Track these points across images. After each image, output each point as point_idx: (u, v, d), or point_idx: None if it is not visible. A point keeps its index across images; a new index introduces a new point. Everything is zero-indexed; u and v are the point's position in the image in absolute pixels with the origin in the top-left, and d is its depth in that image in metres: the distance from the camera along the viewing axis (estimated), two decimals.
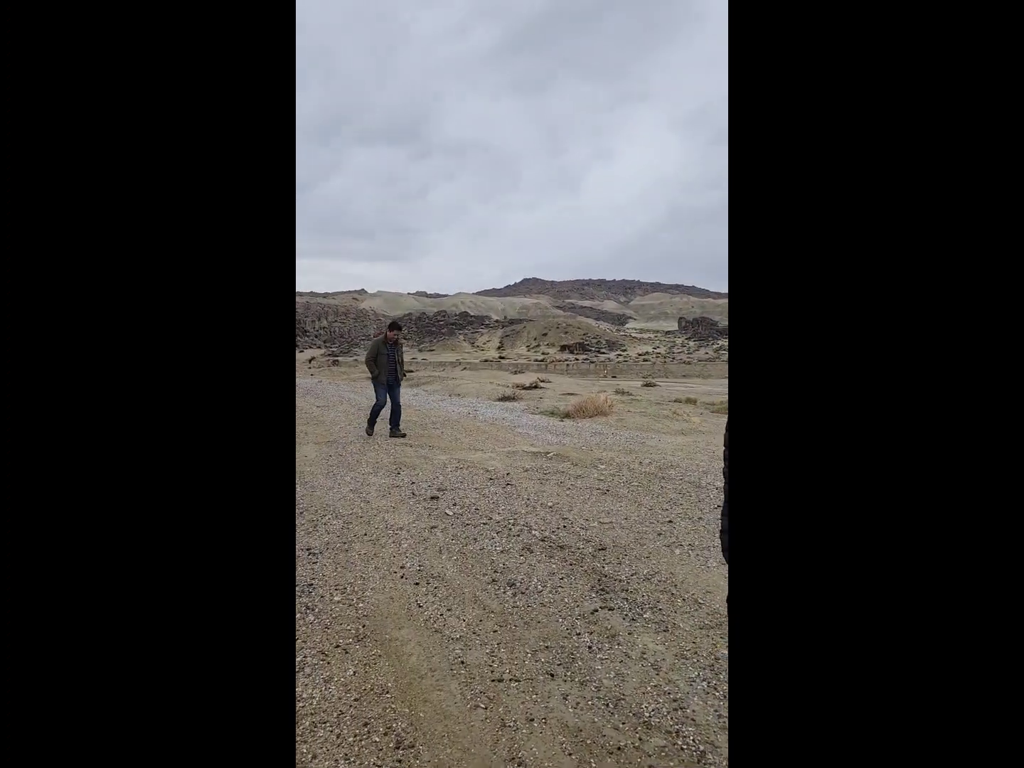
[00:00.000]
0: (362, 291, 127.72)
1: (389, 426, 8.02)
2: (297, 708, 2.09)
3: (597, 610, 2.86)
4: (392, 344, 8.08)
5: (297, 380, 17.00)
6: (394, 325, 8.43)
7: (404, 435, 7.87)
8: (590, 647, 2.53)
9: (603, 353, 77.96)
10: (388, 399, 7.95)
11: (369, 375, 8.32)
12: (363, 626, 2.70)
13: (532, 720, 2.04)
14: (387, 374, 7.94)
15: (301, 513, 4.40)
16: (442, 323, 50.25)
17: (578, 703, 2.14)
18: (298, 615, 2.78)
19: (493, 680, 2.28)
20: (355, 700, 2.15)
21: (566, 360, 62.95)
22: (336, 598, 2.98)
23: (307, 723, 2.01)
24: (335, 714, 2.06)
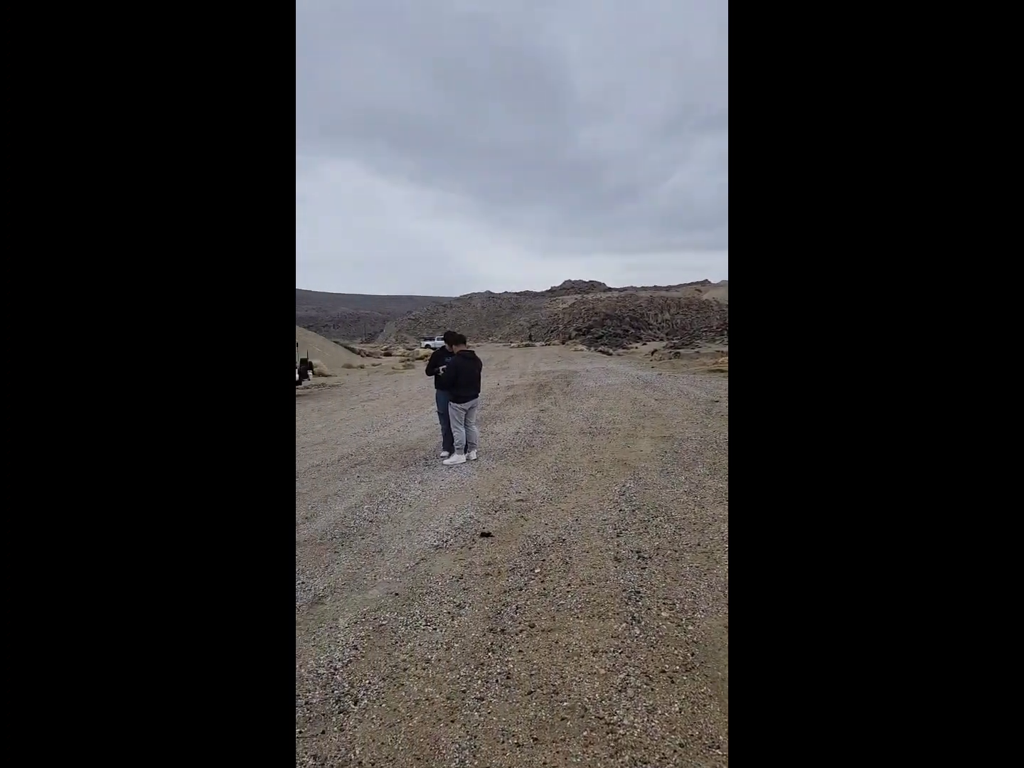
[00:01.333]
0: (705, 282, 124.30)
1: None
2: (617, 736, 1.94)
3: None
4: None
5: (636, 373, 17.39)
6: None
7: None
8: None
9: None
10: None
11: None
12: (692, 654, 2.42)
13: None
14: None
15: (633, 512, 4.31)
16: None
17: None
18: (623, 626, 2.66)
19: None
20: (680, 746, 1.89)
21: None
22: (664, 614, 2.76)
23: (627, 757, 1.84)
24: (657, 756, 1.84)
